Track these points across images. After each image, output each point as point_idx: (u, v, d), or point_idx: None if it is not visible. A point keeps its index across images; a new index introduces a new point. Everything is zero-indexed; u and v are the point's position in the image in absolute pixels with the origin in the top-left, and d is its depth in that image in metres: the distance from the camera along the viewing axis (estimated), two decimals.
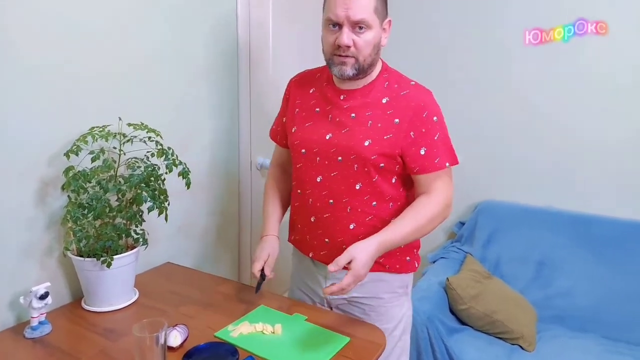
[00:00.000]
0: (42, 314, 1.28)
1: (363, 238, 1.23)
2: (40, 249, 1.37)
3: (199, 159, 1.88)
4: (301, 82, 1.45)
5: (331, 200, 1.34)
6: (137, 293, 1.48)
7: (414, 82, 1.31)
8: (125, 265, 1.38)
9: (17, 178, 1.29)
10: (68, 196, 1.32)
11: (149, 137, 1.43)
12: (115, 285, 1.38)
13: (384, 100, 1.28)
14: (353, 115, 1.30)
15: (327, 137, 1.32)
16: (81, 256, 1.33)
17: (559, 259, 2.15)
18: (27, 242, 1.34)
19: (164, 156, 1.41)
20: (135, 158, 1.45)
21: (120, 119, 1.44)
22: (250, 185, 2.16)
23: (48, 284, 1.28)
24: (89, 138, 1.32)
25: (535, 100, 2.34)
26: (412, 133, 1.25)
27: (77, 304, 1.42)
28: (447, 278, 1.94)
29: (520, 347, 1.83)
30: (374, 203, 1.32)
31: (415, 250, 1.46)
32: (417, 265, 1.47)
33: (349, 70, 1.26)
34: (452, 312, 1.97)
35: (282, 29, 2.24)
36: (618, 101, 2.17)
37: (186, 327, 1.23)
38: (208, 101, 1.89)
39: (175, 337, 1.18)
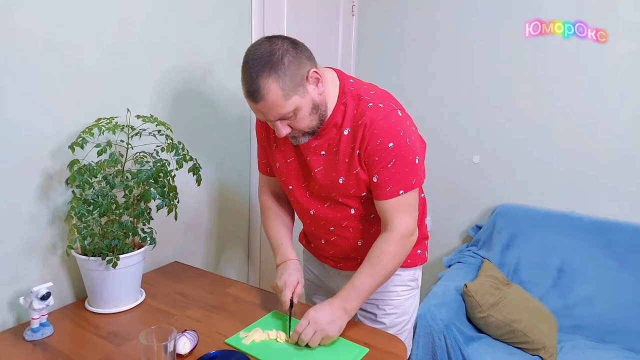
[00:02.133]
0: (43, 315, 1.21)
1: None
2: (42, 246, 1.30)
3: (208, 155, 1.80)
4: None
5: (332, 228, 1.33)
6: (144, 294, 1.41)
7: (372, 104, 1.16)
8: (132, 265, 1.31)
9: (18, 171, 1.23)
10: (72, 192, 1.24)
11: (159, 131, 1.36)
12: (120, 286, 1.31)
13: (345, 132, 1.19)
14: (323, 153, 1.23)
15: (312, 174, 1.27)
16: (85, 255, 1.26)
17: (580, 265, 2.07)
18: (28, 239, 1.27)
19: (174, 151, 1.34)
20: (144, 152, 1.38)
21: (128, 110, 1.37)
22: None
23: (50, 284, 1.21)
24: (95, 130, 1.25)
25: (556, 101, 2.25)
26: (366, 161, 1.18)
27: (80, 305, 1.36)
28: (465, 284, 1.86)
29: (541, 358, 1.75)
30: (372, 216, 1.29)
31: (425, 242, 1.44)
32: (427, 256, 1.46)
33: (303, 139, 1.21)
34: (469, 319, 1.89)
35: (297, 23, 2.16)
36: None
37: (196, 334, 1.16)
38: (218, 95, 1.81)
39: (184, 344, 1.11)
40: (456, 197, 2.56)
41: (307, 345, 1.15)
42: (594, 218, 2.13)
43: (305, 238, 1.51)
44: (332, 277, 1.47)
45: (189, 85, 1.69)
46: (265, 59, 1.07)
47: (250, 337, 1.19)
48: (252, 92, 1.09)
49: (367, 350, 1.15)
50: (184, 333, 1.14)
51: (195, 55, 1.69)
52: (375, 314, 1.40)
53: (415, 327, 1.73)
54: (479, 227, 2.41)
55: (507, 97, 2.36)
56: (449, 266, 2.26)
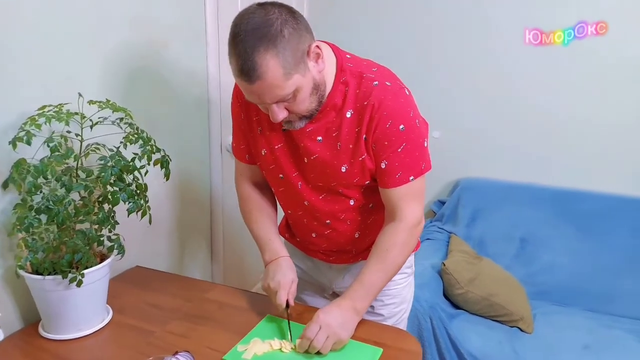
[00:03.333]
0: None
1: (372, 240, 1.15)
2: None
3: (164, 141, 1.58)
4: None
5: (328, 221, 1.20)
6: (110, 310, 1.21)
7: (377, 82, 1.04)
8: (97, 280, 1.11)
9: None
10: (22, 199, 1.00)
11: (121, 119, 1.13)
12: (85, 306, 1.11)
13: (348, 115, 1.06)
14: (319, 138, 1.09)
15: (305, 161, 1.12)
16: (39, 273, 1.04)
17: (542, 235, 2.14)
18: None
19: (140, 141, 1.13)
20: (97, 144, 1.15)
21: (80, 95, 1.12)
22: (221, 169, 1.90)
23: None
24: (42, 120, 1.01)
25: (514, 76, 2.28)
26: (374, 145, 1.07)
27: (32, 331, 1.13)
28: (443, 263, 1.84)
29: (519, 328, 1.79)
30: (371, 205, 1.19)
31: None
32: (420, 241, 1.38)
33: (299, 124, 1.05)
34: (445, 296, 1.89)
35: None
36: (605, 85, 2.16)
37: (190, 355, 1.00)
38: (174, 74, 1.59)
39: None
40: None
41: (317, 352, 1.04)
42: (554, 188, 2.20)
43: (289, 231, 1.37)
44: (323, 272, 1.36)
45: (141, 63, 1.45)
46: (262, 31, 0.90)
47: (251, 350, 1.06)
48: (247, 71, 0.91)
49: (381, 350, 1.07)
50: (177, 355, 0.98)
51: (148, 28, 1.45)
52: (372, 306, 1.31)
53: None
54: (442, 202, 2.42)
55: (467, 72, 2.35)
56: None
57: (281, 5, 0.94)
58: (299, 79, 0.95)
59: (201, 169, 1.80)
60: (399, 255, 1.12)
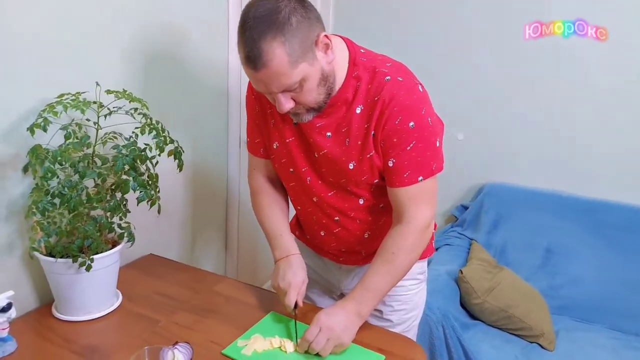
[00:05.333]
0: (3, 329, 1.02)
1: (381, 240, 1.11)
2: None
3: (181, 133, 1.59)
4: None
5: (337, 218, 1.18)
6: (120, 296, 1.23)
7: (389, 77, 1.01)
8: (107, 266, 1.13)
9: None
10: (37, 184, 1.03)
11: (135, 109, 1.15)
12: (94, 291, 1.13)
13: (357, 110, 1.04)
14: (329, 134, 1.07)
15: (316, 156, 1.11)
16: (52, 256, 1.07)
17: (567, 246, 2.05)
18: None
19: (153, 132, 1.14)
20: (114, 133, 1.17)
21: (97, 84, 1.14)
22: (239, 162, 1.91)
23: (11, 292, 1.02)
24: (59, 108, 1.03)
25: (545, 79, 2.19)
26: (382, 142, 1.04)
27: (46, 311, 1.17)
28: (461, 270, 1.80)
29: (540, 345, 1.72)
30: (382, 206, 1.16)
31: (433, 232, 1.31)
32: (434, 246, 1.36)
33: (307, 117, 1.03)
34: (462, 305, 1.84)
35: None
36: (622, 94, 2.06)
37: (189, 346, 1.01)
38: (193, 65, 1.60)
39: None
40: (439, 175, 2.48)
41: (317, 354, 1.03)
42: (582, 198, 2.11)
43: (300, 229, 1.36)
44: (332, 272, 1.35)
45: (160, 54, 1.46)
46: (270, 18, 0.89)
47: (251, 346, 1.05)
48: (253, 58, 0.90)
49: (383, 357, 1.05)
50: (176, 346, 0.99)
51: (167, 18, 1.46)
52: (381, 311, 1.28)
53: None
54: (465, 207, 2.35)
55: (495, 71, 2.27)
56: (437, 248, 2.19)
57: None
58: (306, 68, 0.94)
59: (218, 161, 1.81)
60: (406, 259, 1.09)
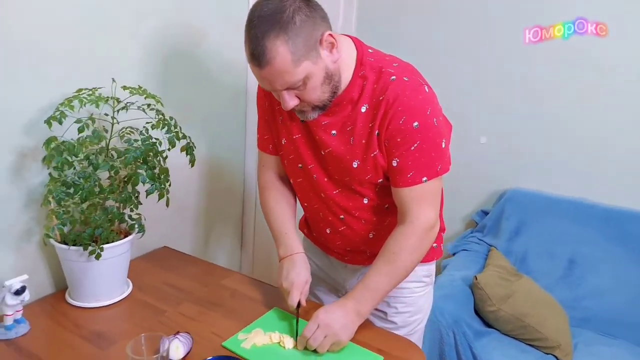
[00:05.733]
0: (17, 311, 1.07)
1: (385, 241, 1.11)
2: (15, 233, 1.16)
3: (199, 130, 1.64)
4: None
5: (342, 216, 1.18)
6: (130, 285, 1.28)
7: (395, 77, 1.01)
8: (117, 255, 1.17)
9: None
10: (49, 173, 1.08)
11: (148, 105, 1.19)
12: (104, 279, 1.18)
13: (363, 109, 1.04)
14: (334, 132, 1.08)
15: (322, 153, 1.12)
16: (65, 243, 1.12)
17: (591, 256, 1.97)
18: None
19: (165, 128, 1.18)
20: (131, 128, 1.21)
21: (114, 80, 1.19)
22: (256, 161, 1.92)
23: (25, 276, 1.07)
24: (76, 103, 1.08)
25: (570, 83, 2.12)
26: (386, 142, 1.04)
27: (60, 297, 1.22)
28: (475, 276, 1.76)
29: (555, 357, 1.66)
30: (387, 206, 1.15)
31: (442, 235, 1.31)
32: (442, 249, 1.33)
33: (312, 115, 1.05)
34: (476, 312, 1.80)
35: None
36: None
37: (189, 336, 1.03)
38: (212, 64, 1.63)
39: (177, 349, 0.99)
40: (460, 179, 2.40)
41: (314, 350, 1.04)
42: (607, 206, 2.02)
43: (308, 226, 1.37)
44: (337, 270, 1.35)
45: (180, 52, 1.51)
46: (274, 17, 0.91)
47: (251, 340, 1.07)
48: (257, 55, 0.93)
49: (382, 358, 1.04)
50: (177, 335, 1.01)
51: (188, 17, 1.51)
52: (385, 313, 1.28)
53: None
54: (485, 213, 2.30)
55: (517, 74, 2.22)
56: (454, 254, 2.16)
57: None
58: (309, 66, 0.95)
59: (236, 159, 1.84)
60: (407, 259, 1.08)
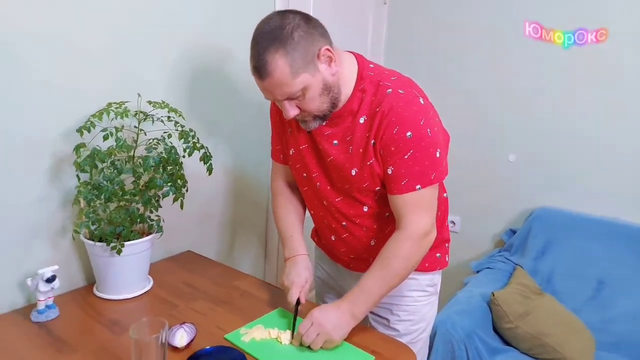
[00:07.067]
0: (49, 297, 1.21)
1: None
2: (52, 229, 1.30)
3: (225, 143, 1.76)
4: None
5: (344, 223, 1.24)
6: (151, 282, 1.39)
7: (391, 90, 1.08)
8: (138, 252, 1.29)
9: (30, 152, 1.23)
10: (77, 175, 1.23)
11: (168, 117, 1.32)
12: (125, 273, 1.29)
13: (361, 120, 1.11)
14: (335, 142, 1.16)
15: (326, 162, 1.19)
16: (92, 240, 1.25)
17: (622, 277, 1.89)
18: (38, 221, 1.27)
19: (184, 138, 1.30)
20: (157, 139, 1.35)
21: (139, 95, 1.34)
22: None
23: (55, 267, 1.21)
24: (105, 115, 1.23)
25: (602, 100, 2.07)
26: (381, 151, 1.09)
27: (89, 290, 1.35)
28: (493, 293, 1.74)
29: None
30: (387, 214, 1.20)
31: (446, 245, 1.34)
32: (447, 260, 1.35)
33: (313, 124, 1.14)
34: (495, 330, 1.77)
35: (324, 5, 2.09)
36: None
37: (194, 327, 1.12)
38: (238, 80, 1.76)
39: (182, 337, 1.08)
40: (489, 197, 2.41)
41: (308, 346, 1.09)
42: (637, 225, 1.93)
43: (317, 235, 1.44)
44: (345, 278, 1.40)
45: (207, 69, 1.65)
46: (274, 34, 1.01)
47: (251, 335, 1.14)
48: (259, 68, 1.03)
49: (373, 358, 1.08)
50: (182, 325, 1.10)
51: (215, 36, 1.65)
52: (388, 319, 1.31)
53: (434, 335, 1.63)
54: (513, 232, 2.26)
55: (547, 93, 2.19)
56: (478, 271, 2.13)
57: (298, 13, 1.05)
58: (307, 78, 1.03)
59: (260, 170, 1.95)
60: (400, 265, 1.12)
